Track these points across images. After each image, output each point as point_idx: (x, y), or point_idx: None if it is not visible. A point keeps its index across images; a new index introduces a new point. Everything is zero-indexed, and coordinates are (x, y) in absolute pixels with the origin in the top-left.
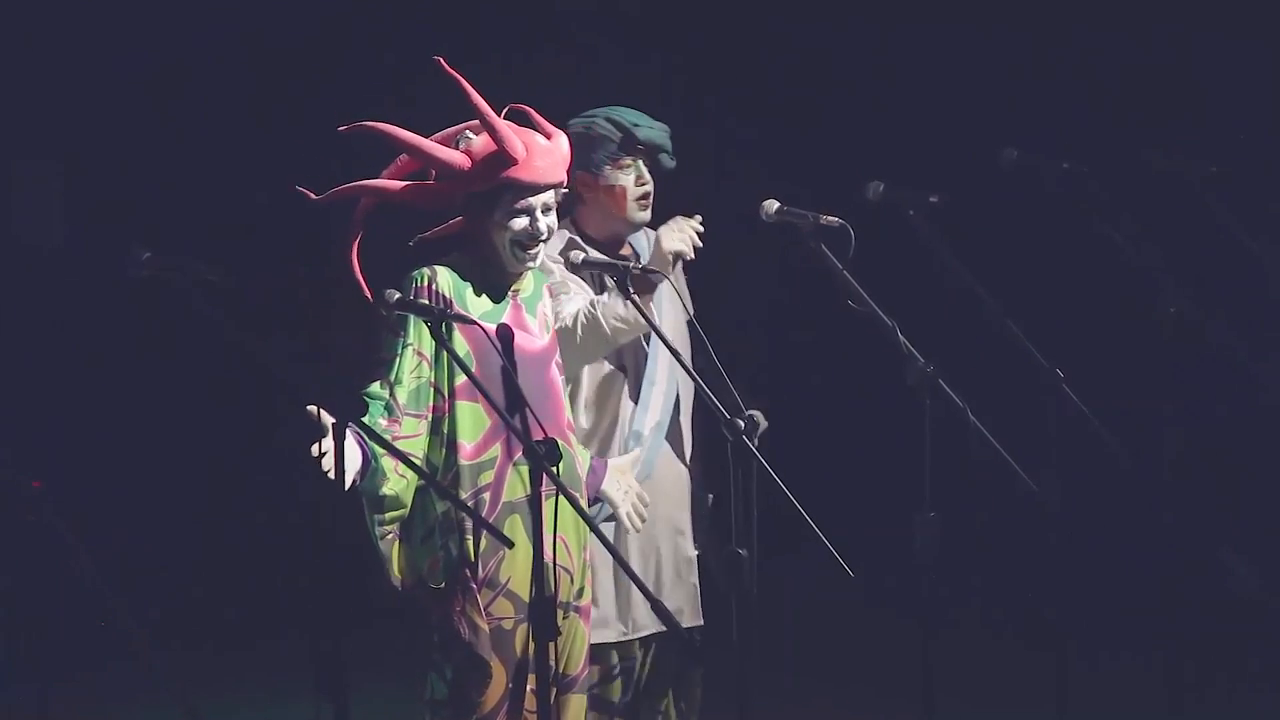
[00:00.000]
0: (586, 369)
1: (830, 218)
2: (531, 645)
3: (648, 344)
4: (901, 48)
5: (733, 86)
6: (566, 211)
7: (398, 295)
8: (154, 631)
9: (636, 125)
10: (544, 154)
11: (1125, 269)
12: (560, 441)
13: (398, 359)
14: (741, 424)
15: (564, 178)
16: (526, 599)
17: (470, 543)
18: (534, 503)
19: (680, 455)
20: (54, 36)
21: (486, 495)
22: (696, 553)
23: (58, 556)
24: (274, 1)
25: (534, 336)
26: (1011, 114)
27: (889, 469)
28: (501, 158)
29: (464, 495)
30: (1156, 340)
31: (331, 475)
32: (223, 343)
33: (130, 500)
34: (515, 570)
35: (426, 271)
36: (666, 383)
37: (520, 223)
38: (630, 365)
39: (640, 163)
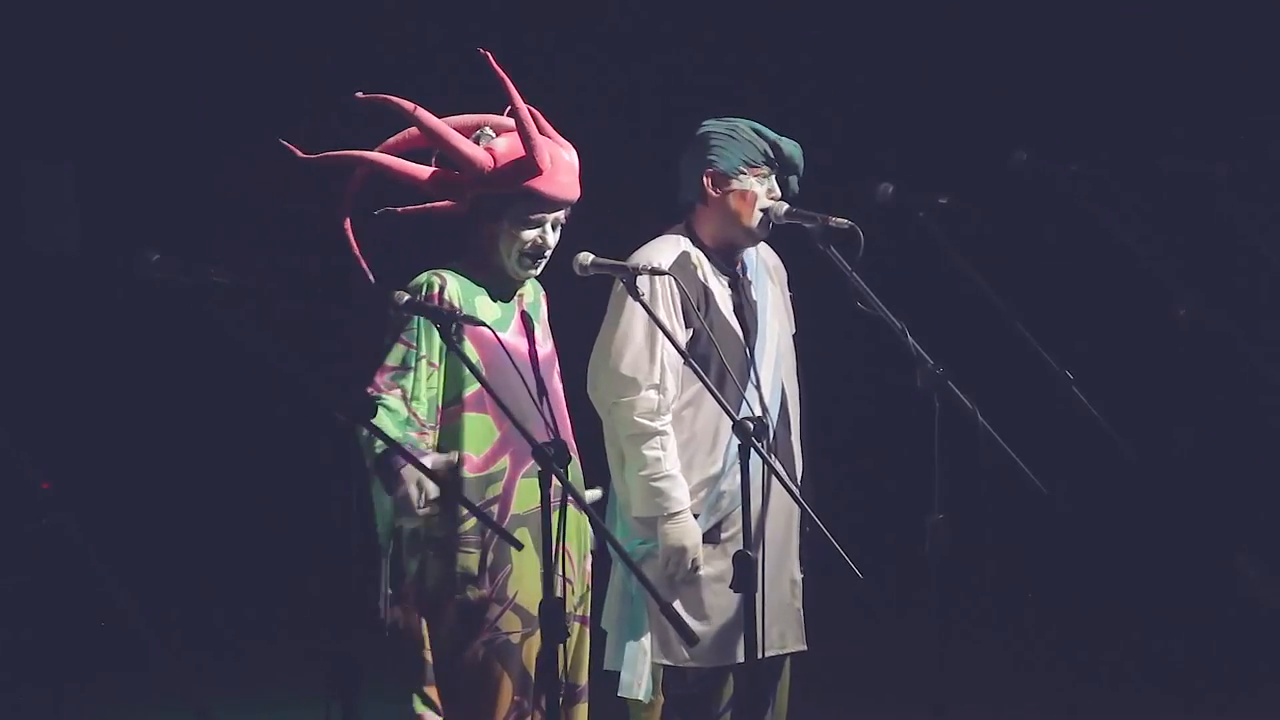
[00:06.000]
0: (682, 379)
1: (839, 220)
2: (533, 657)
3: (752, 355)
4: (908, 48)
5: (738, 87)
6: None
7: (407, 298)
8: (165, 633)
9: (780, 140)
10: (567, 170)
11: (1135, 270)
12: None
13: (412, 373)
14: (751, 425)
15: (578, 195)
16: (534, 612)
17: (476, 556)
18: (544, 504)
19: (791, 476)
20: (63, 41)
21: (495, 508)
22: (802, 576)
23: (68, 558)
24: (287, 3)
25: (539, 343)
26: (1021, 115)
27: (898, 471)
28: (526, 165)
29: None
30: (1166, 341)
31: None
32: (232, 345)
33: (140, 502)
34: (523, 585)
35: (436, 280)
36: (768, 397)
37: (531, 234)
38: (730, 377)
39: (774, 177)
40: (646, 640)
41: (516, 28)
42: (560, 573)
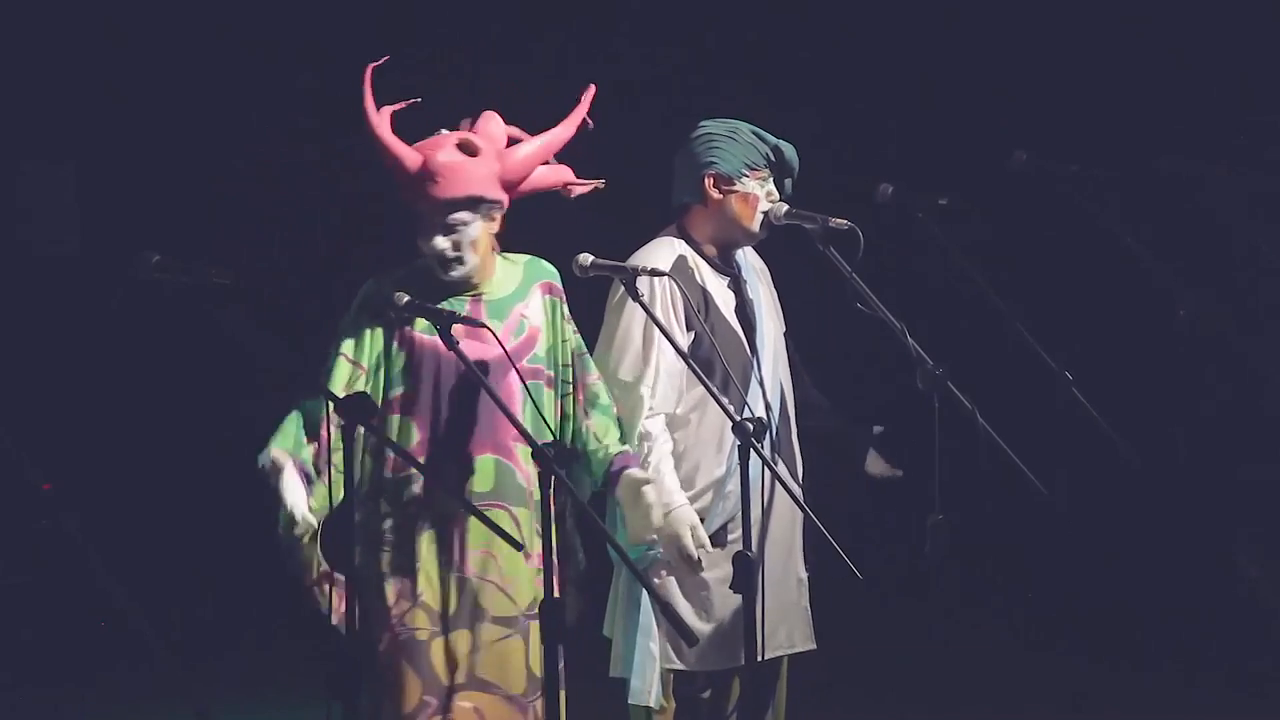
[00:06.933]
0: (686, 383)
1: (839, 220)
2: (445, 659)
3: (755, 354)
4: (908, 49)
5: (738, 87)
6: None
7: (407, 298)
8: (165, 633)
9: (780, 143)
10: (445, 170)
11: (1134, 270)
12: (500, 457)
13: (332, 371)
14: (750, 426)
15: (474, 189)
16: (441, 612)
17: (390, 555)
18: (544, 504)
19: (793, 474)
20: (63, 41)
21: (411, 509)
22: (807, 574)
23: (68, 558)
24: (286, 5)
25: (487, 345)
26: (1021, 115)
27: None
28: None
29: (387, 508)
30: (1165, 342)
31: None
32: (231, 345)
33: (140, 502)
34: (430, 586)
35: (373, 286)
36: (770, 395)
37: (424, 240)
38: (733, 380)
39: (773, 180)
40: (655, 646)
41: (518, 26)
42: (486, 577)
